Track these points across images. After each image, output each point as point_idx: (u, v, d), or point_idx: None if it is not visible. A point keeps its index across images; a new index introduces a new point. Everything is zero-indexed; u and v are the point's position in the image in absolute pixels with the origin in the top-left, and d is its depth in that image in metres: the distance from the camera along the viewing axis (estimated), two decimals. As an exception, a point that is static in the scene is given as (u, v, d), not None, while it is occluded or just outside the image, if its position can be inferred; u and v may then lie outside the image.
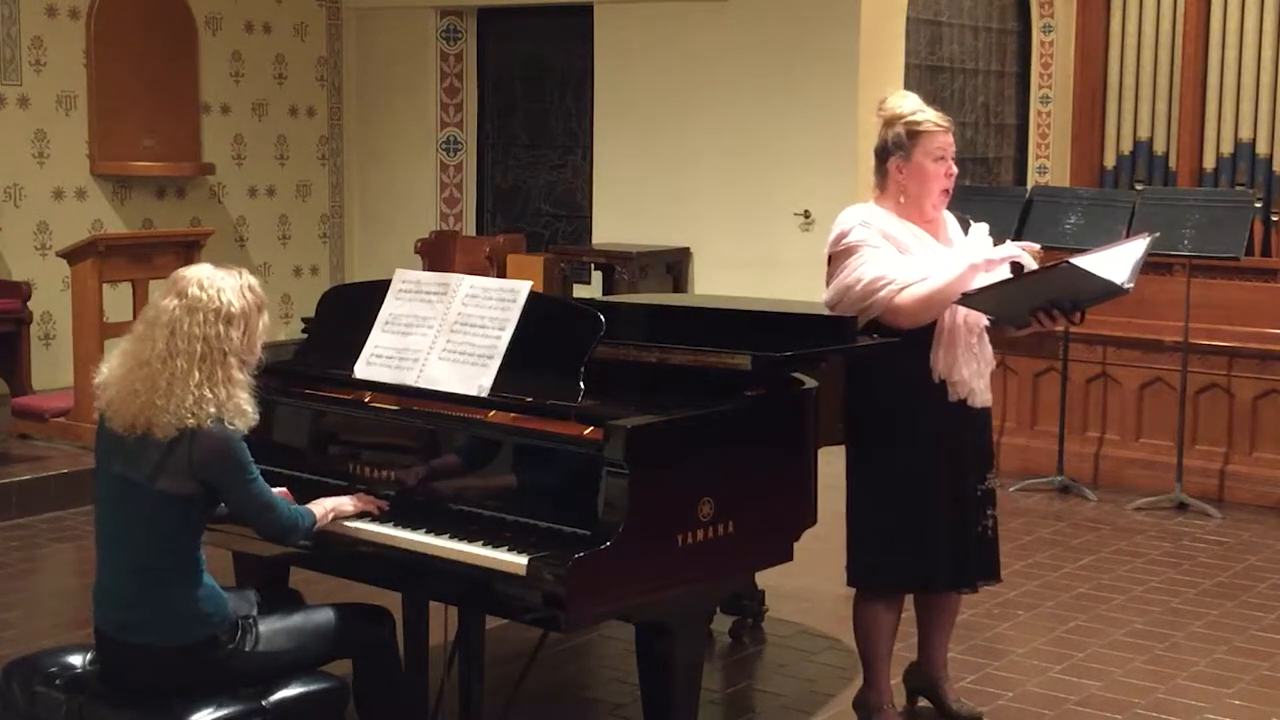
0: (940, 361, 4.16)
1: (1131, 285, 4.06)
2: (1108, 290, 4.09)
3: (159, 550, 3.36)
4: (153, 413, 3.31)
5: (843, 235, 4.19)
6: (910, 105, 4.28)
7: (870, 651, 4.35)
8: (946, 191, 4.24)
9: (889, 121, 4.26)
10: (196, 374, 3.32)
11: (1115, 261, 4.11)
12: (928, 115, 4.24)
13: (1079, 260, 4.04)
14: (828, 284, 4.25)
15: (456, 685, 3.94)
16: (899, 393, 4.19)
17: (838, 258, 4.22)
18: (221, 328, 3.37)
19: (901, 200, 4.22)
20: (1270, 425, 7.25)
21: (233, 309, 3.40)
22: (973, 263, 4.07)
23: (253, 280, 3.50)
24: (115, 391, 3.38)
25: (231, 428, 3.35)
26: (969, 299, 4.07)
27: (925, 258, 4.15)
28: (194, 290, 3.39)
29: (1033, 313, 4.14)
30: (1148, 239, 4.23)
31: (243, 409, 3.38)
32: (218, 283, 3.41)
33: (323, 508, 3.62)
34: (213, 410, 3.32)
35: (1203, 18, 10.74)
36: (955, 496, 4.22)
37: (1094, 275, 4.03)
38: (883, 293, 4.08)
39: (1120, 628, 5.45)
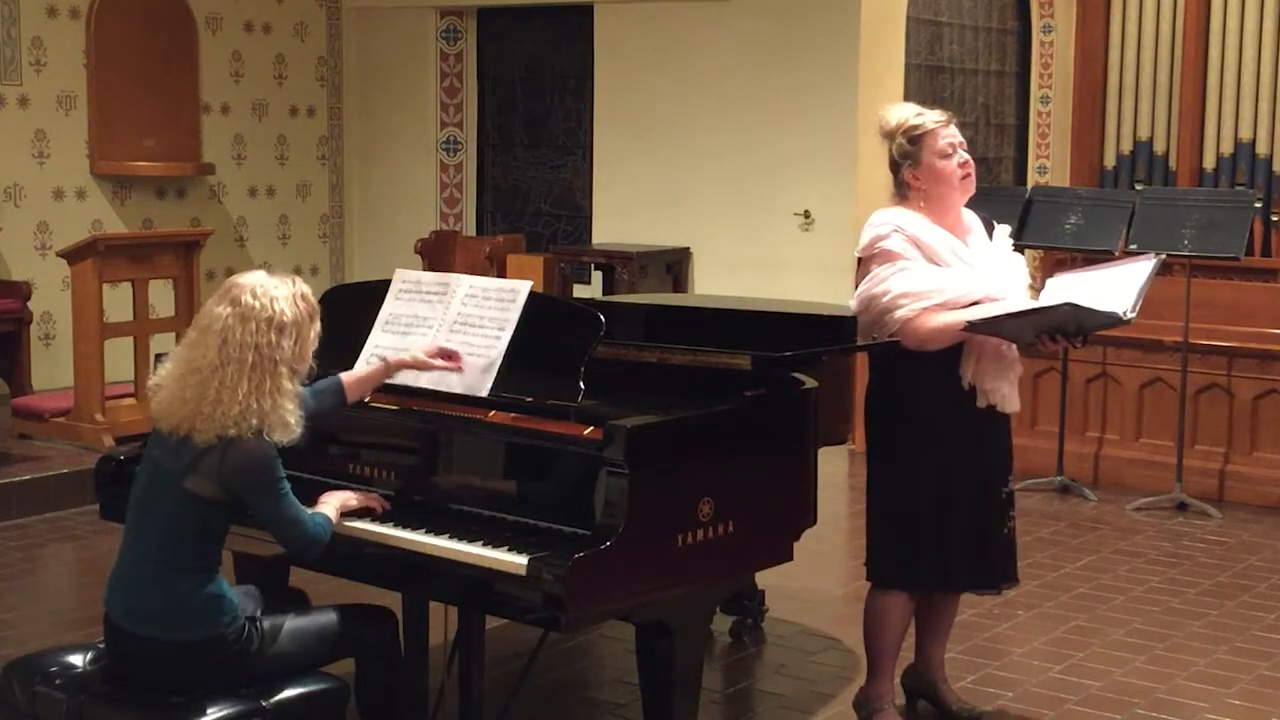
0: (971, 370, 4.17)
1: (1135, 315, 4.09)
2: (1111, 321, 4.14)
3: (177, 547, 3.37)
4: (198, 420, 3.32)
5: (877, 240, 4.18)
6: (904, 113, 4.27)
7: (878, 649, 4.35)
8: (968, 177, 4.23)
9: (889, 135, 4.26)
10: (246, 384, 3.32)
11: (1120, 287, 4.14)
12: (924, 116, 4.24)
13: (1082, 300, 4.09)
14: (856, 288, 4.25)
15: (456, 685, 3.94)
16: (928, 396, 4.19)
17: (869, 262, 4.20)
18: (274, 336, 3.36)
19: (923, 205, 4.22)
20: (1270, 425, 7.25)
21: (285, 318, 3.39)
22: (972, 318, 4.08)
23: (305, 289, 3.49)
24: (167, 395, 3.40)
25: (269, 440, 3.35)
26: (974, 327, 4.09)
27: (958, 267, 4.15)
28: (247, 298, 3.38)
29: (1037, 336, 4.17)
30: (1153, 261, 4.26)
31: (285, 420, 3.37)
32: (271, 291, 3.40)
33: (333, 508, 3.63)
34: (255, 422, 3.33)
35: (1203, 18, 10.74)
36: (980, 499, 4.24)
37: (1098, 310, 4.07)
38: (902, 311, 4.08)
39: (1120, 628, 5.45)
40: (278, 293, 3.41)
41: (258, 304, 3.38)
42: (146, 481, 3.46)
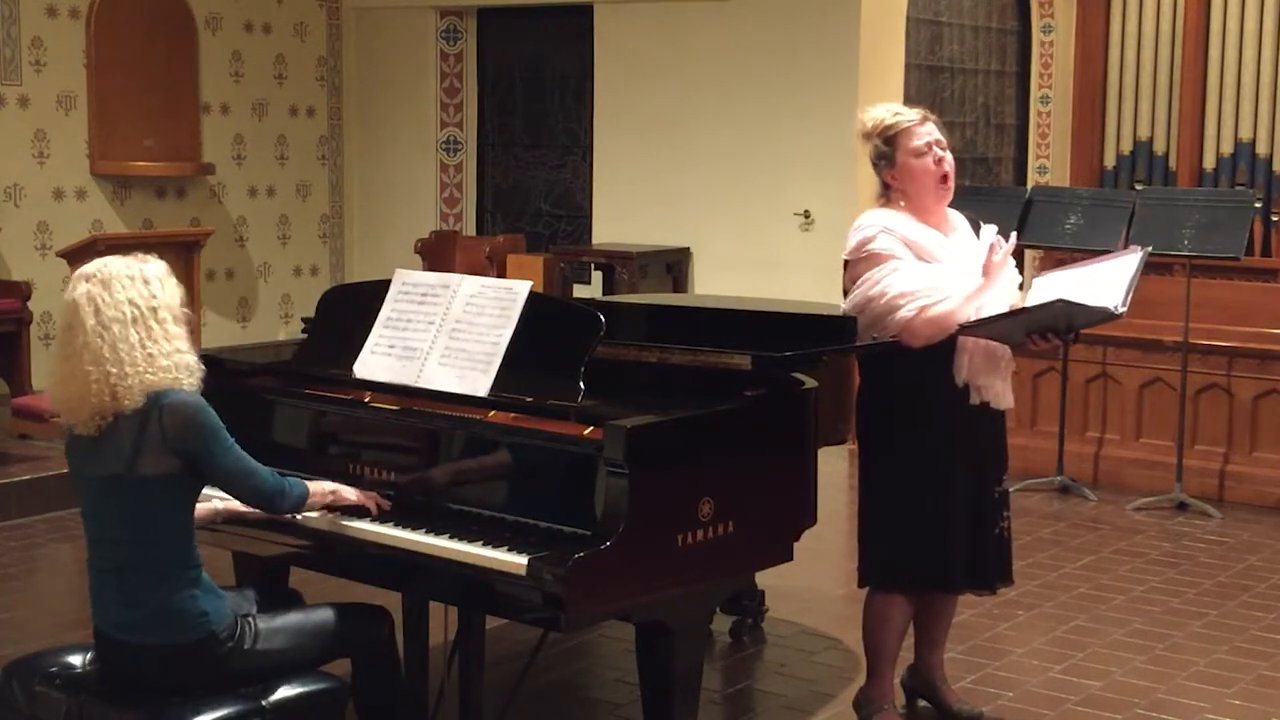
0: (965, 367, 4.16)
1: (1125, 309, 4.09)
2: (1102, 316, 4.14)
3: (152, 544, 3.34)
4: (112, 384, 3.29)
5: (865, 242, 4.16)
6: (879, 113, 4.27)
7: (877, 650, 4.35)
8: (945, 177, 4.21)
9: (866, 137, 4.26)
10: (134, 334, 3.32)
11: (1108, 282, 4.14)
12: (900, 116, 4.23)
13: (1072, 295, 4.09)
14: (846, 291, 4.23)
15: (456, 685, 3.94)
16: (921, 395, 4.18)
17: (858, 265, 4.19)
18: (142, 287, 3.37)
19: (903, 204, 4.22)
20: (1270, 425, 7.25)
21: (146, 271, 3.41)
22: (966, 294, 4.09)
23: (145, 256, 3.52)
24: (65, 392, 3.36)
25: (190, 388, 3.34)
26: (967, 329, 4.08)
27: (949, 263, 4.15)
28: (100, 270, 3.39)
29: (1029, 335, 4.17)
30: (1140, 254, 4.25)
31: (187, 363, 3.37)
32: (116, 259, 3.42)
33: (323, 487, 3.63)
34: (165, 364, 3.32)
35: (1203, 18, 10.74)
36: (975, 498, 4.23)
37: (1088, 306, 4.07)
38: (905, 310, 4.07)
39: (1120, 628, 5.45)
40: (122, 260, 3.43)
41: (111, 269, 3.38)
42: (98, 502, 3.39)
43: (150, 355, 3.32)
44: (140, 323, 3.34)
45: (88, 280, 3.38)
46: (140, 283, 3.38)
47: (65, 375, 3.36)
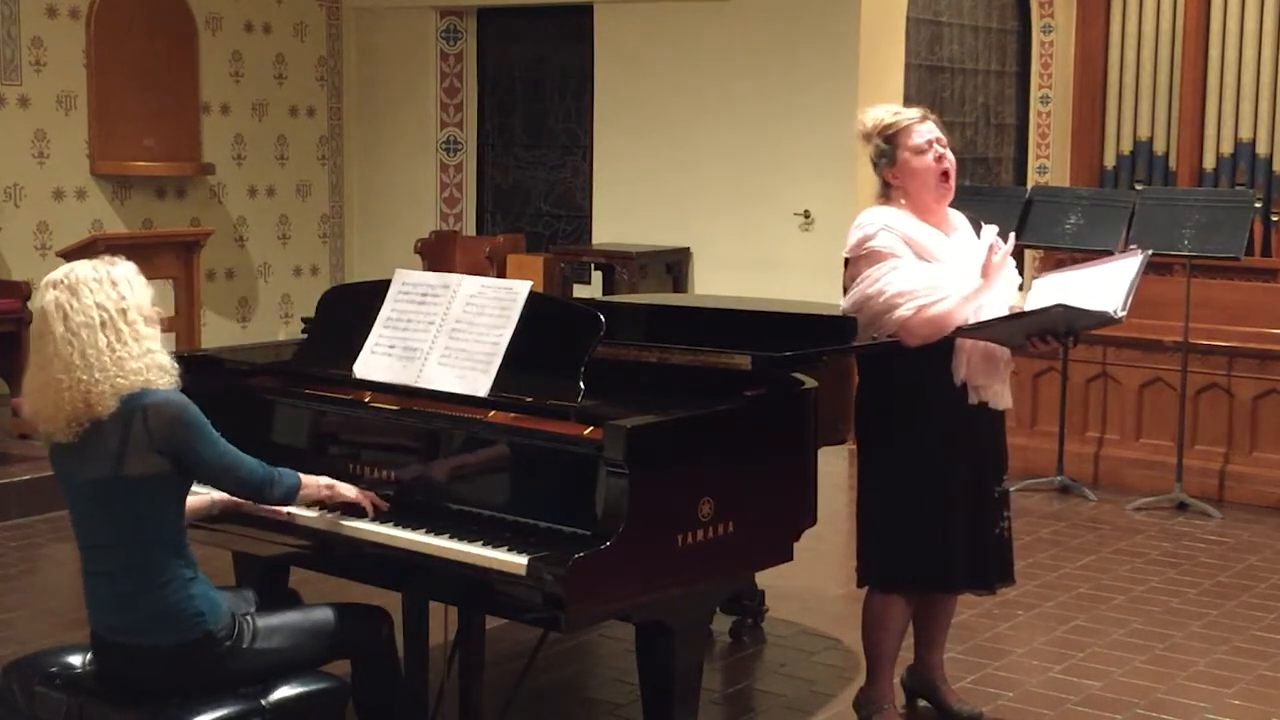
0: (964, 366, 4.16)
1: (1125, 313, 4.09)
2: (1102, 320, 4.14)
3: (143, 546, 3.33)
4: (84, 390, 3.27)
5: (865, 240, 4.16)
6: (879, 113, 4.29)
7: (877, 650, 4.35)
8: (946, 175, 4.22)
9: (867, 137, 4.27)
10: (103, 338, 3.30)
11: (1108, 285, 4.14)
12: (900, 115, 4.25)
13: (1072, 300, 4.09)
14: (845, 289, 4.23)
15: (456, 685, 3.94)
16: (919, 394, 4.18)
17: (859, 263, 4.19)
18: (109, 290, 3.35)
19: (904, 202, 4.22)
20: (1270, 425, 7.25)
21: (113, 273, 3.39)
22: (965, 295, 4.09)
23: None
24: (40, 400, 3.35)
25: (166, 386, 3.33)
26: (965, 331, 4.08)
27: (949, 262, 4.15)
28: (67, 278, 3.37)
29: (1028, 338, 4.17)
30: (1140, 257, 4.25)
31: (160, 363, 3.36)
32: (83, 264, 3.40)
33: (319, 480, 3.62)
34: (135, 366, 3.30)
35: (1203, 18, 10.74)
36: (975, 498, 4.23)
37: (1088, 310, 4.07)
38: (903, 309, 4.07)
39: (1120, 628, 5.45)
40: (89, 263, 3.40)
41: (77, 274, 3.36)
42: (88, 506, 3.38)
43: (120, 359, 3.30)
44: (109, 326, 3.32)
45: (55, 287, 3.36)
46: (108, 285, 3.36)
47: (39, 385, 3.35)
